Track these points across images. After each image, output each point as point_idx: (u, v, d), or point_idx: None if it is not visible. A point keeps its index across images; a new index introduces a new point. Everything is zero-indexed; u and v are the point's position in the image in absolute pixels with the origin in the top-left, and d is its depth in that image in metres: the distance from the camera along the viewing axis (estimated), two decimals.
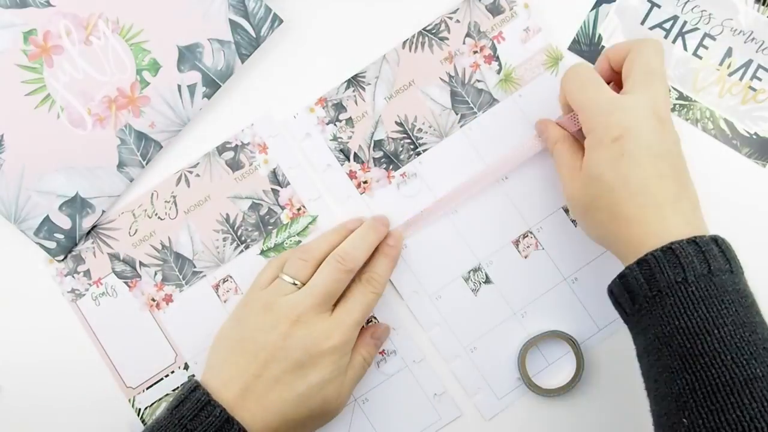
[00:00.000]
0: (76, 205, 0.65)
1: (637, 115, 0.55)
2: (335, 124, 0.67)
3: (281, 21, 0.65)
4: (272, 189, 0.67)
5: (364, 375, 0.64)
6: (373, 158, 0.67)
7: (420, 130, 0.67)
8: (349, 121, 0.67)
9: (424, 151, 0.67)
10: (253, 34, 0.65)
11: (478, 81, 0.67)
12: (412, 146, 0.67)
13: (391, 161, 0.67)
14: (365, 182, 0.67)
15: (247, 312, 0.61)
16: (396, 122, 0.67)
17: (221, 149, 0.67)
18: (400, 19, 0.67)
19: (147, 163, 0.66)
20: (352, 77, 0.67)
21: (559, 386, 0.64)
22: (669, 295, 0.51)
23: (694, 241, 0.52)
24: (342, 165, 0.67)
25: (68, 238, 0.65)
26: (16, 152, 0.64)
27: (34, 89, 0.64)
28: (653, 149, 0.55)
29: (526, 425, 0.65)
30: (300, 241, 0.66)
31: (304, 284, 0.61)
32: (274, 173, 0.67)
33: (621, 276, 0.54)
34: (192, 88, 0.65)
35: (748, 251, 0.66)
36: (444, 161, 0.67)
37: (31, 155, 0.65)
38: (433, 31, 0.67)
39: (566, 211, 0.66)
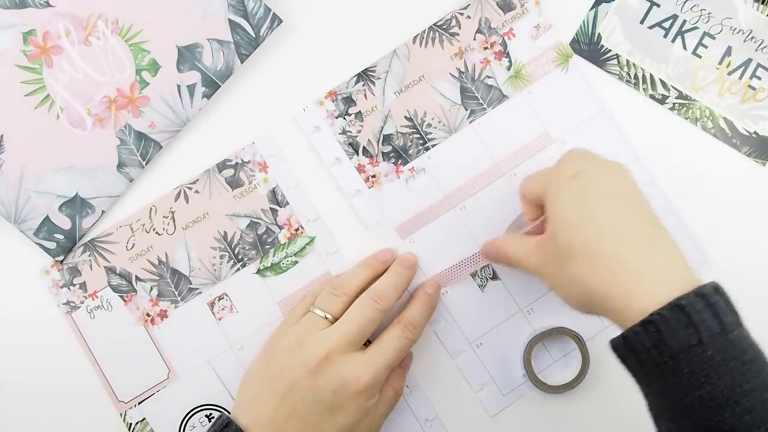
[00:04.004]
0: (76, 205, 0.65)
1: (589, 161, 0.55)
2: (344, 118, 0.67)
3: (281, 21, 0.65)
4: (271, 208, 0.66)
5: (395, 406, 0.62)
6: (382, 152, 0.67)
7: (429, 125, 0.67)
8: (359, 115, 0.67)
9: (433, 146, 0.67)
10: (253, 34, 0.65)
11: (488, 77, 0.67)
12: (421, 141, 0.67)
13: (399, 156, 0.67)
14: (373, 176, 0.66)
15: (277, 348, 0.60)
16: (405, 117, 0.67)
17: (221, 166, 0.66)
18: (410, 14, 0.67)
19: (147, 164, 0.65)
20: (362, 71, 0.67)
21: (564, 383, 0.64)
22: (684, 361, 0.46)
23: (701, 293, 0.46)
24: (351, 159, 0.66)
25: (68, 238, 0.65)
26: (16, 153, 0.64)
27: (34, 90, 0.64)
28: (615, 184, 0.53)
29: (531, 422, 0.65)
30: (297, 262, 0.66)
31: (336, 319, 0.59)
32: (273, 192, 0.66)
33: (624, 337, 0.48)
34: (191, 88, 0.65)
35: (748, 251, 0.67)
36: (453, 157, 0.67)
37: (31, 156, 0.64)
38: (444, 27, 0.67)
39: None
